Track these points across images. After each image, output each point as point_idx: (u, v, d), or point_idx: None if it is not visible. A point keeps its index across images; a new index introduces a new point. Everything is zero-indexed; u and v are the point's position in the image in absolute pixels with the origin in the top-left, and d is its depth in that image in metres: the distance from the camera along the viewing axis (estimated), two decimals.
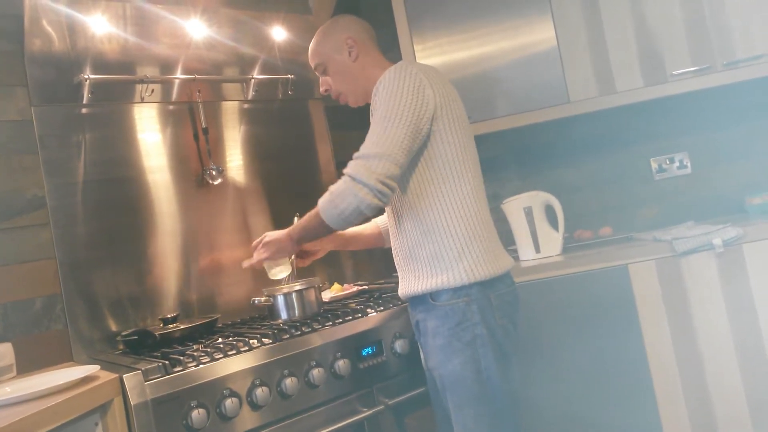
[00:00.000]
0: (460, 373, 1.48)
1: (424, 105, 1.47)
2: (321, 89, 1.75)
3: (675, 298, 1.98)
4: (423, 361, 1.68)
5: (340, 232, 1.88)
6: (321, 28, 1.75)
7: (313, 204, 1.53)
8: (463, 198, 1.51)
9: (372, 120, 1.50)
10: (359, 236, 1.97)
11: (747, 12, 2.18)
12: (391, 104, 1.45)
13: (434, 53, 2.38)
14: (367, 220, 1.69)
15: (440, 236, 1.50)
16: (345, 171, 1.45)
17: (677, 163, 2.53)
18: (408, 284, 1.57)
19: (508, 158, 2.67)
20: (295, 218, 1.92)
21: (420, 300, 1.55)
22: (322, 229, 1.53)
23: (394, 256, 1.64)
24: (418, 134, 1.46)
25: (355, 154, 1.45)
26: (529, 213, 2.24)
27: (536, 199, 2.25)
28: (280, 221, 2.26)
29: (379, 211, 1.54)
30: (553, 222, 2.26)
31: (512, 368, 1.53)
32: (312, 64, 1.75)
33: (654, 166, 2.55)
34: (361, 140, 1.53)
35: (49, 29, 1.93)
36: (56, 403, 1.26)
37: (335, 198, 1.44)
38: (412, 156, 1.48)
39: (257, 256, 1.77)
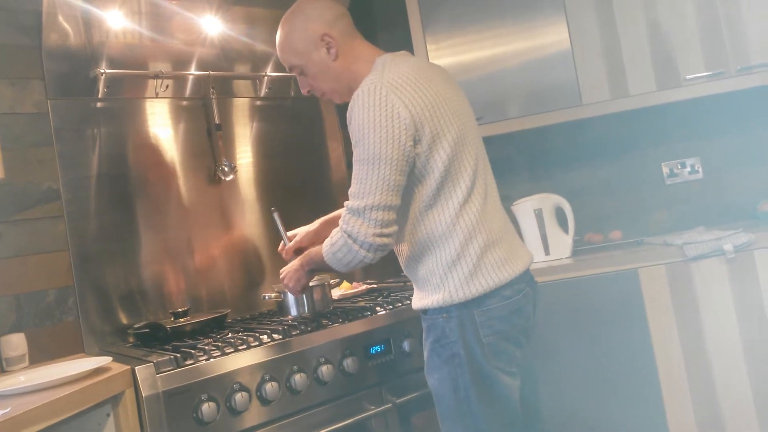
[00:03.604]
0: (440, 388, 1.46)
1: (402, 131, 1.35)
2: (302, 90, 1.58)
3: (685, 303, 1.97)
4: None
5: (332, 216, 1.84)
6: (286, 18, 1.54)
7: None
8: (448, 217, 1.41)
9: (354, 157, 1.40)
10: None
11: (762, 18, 2.17)
12: (369, 142, 1.35)
13: (447, 53, 2.39)
14: None
15: (426, 260, 1.44)
16: (341, 225, 1.40)
17: (689, 168, 2.53)
18: (413, 299, 1.55)
19: (519, 160, 2.67)
20: (274, 214, 1.87)
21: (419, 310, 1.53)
22: (331, 269, 1.49)
23: None
24: (405, 165, 1.37)
25: (348, 204, 1.39)
26: (539, 215, 2.24)
27: (546, 201, 2.26)
28: (290, 218, 2.26)
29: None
30: (563, 224, 2.26)
31: (499, 387, 1.42)
32: (286, 66, 1.56)
33: (665, 170, 2.54)
34: None
35: (66, 24, 1.94)
36: (70, 393, 1.28)
37: (337, 252, 1.41)
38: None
39: (291, 293, 1.77)
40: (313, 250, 1.58)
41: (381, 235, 1.36)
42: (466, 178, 1.43)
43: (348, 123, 1.42)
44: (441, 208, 1.42)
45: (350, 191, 1.40)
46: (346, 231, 1.38)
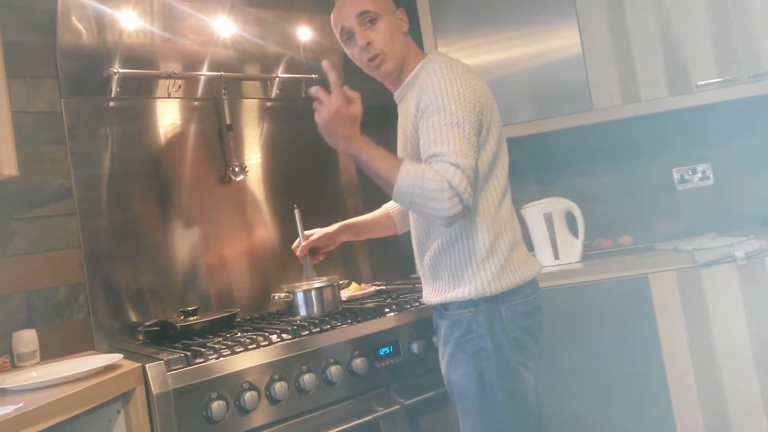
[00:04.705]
0: (464, 384, 1.45)
1: (477, 105, 1.40)
2: (361, 41, 1.48)
3: (695, 310, 1.96)
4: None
5: (352, 222, 1.86)
6: None
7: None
8: (489, 210, 1.44)
9: (435, 122, 1.35)
10: (371, 225, 1.89)
11: None
12: (453, 108, 1.35)
13: (458, 56, 2.33)
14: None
15: (460, 251, 1.45)
16: (442, 173, 1.28)
17: (700, 174, 2.51)
18: (427, 294, 1.56)
19: (529, 164, 2.67)
20: (296, 211, 1.85)
21: (437, 306, 1.54)
22: (384, 185, 1.36)
23: (416, 260, 1.61)
24: (477, 139, 1.40)
25: (448, 159, 1.30)
26: (549, 219, 2.24)
27: (557, 205, 2.25)
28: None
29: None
30: (573, 229, 2.26)
31: (523, 382, 1.44)
32: (358, 9, 1.48)
33: (676, 176, 2.53)
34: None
35: (79, 24, 1.96)
36: (82, 389, 1.29)
37: (427, 191, 1.28)
38: None
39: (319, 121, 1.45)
40: (382, 151, 1.37)
41: (470, 196, 1.29)
42: (504, 172, 1.49)
43: (417, 100, 1.42)
44: (484, 198, 1.45)
45: (442, 150, 1.31)
46: (449, 180, 1.27)
